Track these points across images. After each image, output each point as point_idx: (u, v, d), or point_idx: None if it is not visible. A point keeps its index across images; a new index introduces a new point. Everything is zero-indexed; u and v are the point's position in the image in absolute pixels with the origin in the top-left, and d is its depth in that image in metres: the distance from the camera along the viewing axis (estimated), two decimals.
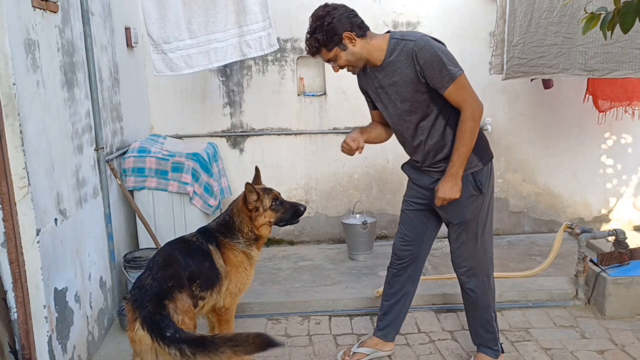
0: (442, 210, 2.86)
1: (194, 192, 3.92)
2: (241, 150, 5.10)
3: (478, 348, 3.07)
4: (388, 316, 3.17)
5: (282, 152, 5.14)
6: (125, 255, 3.87)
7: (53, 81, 2.93)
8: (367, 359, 3.15)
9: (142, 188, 3.95)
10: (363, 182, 5.20)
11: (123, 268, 3.81)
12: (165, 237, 3.95)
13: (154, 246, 3.87)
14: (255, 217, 2.92)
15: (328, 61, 2.73)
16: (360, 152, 2.87)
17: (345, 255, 4.83)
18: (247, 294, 4.00)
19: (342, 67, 2.74)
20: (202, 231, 2.94)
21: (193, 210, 3.98)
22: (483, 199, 2.81)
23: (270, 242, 5.24)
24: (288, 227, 5.19)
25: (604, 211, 5.31)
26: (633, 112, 4.65)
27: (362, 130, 2.93)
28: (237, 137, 5.08)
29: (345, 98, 5.06)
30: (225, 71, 4.95)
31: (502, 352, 3.04)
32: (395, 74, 2.68)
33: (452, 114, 2.73)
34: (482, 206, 2.83)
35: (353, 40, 2.64)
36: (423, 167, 2.89)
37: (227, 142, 5.09)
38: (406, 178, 5.26)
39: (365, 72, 2.82)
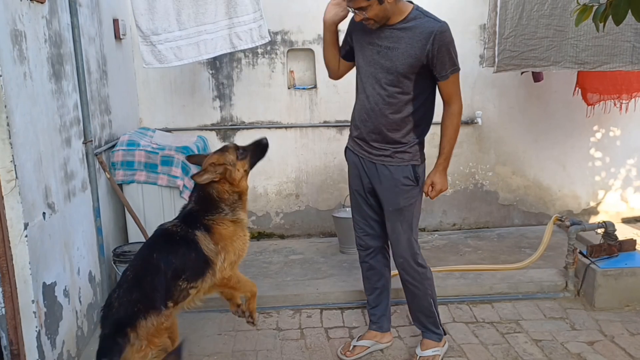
0: (382, 197, 2.93)
1: (184, 185, 3.89)
2: None
3: (422, 333, 3.12)
4: (378, 309, 3.20)
5: (272, 145, 4.98)
6: (114, 250, 3.83)
7: (40, 73, 2.88)
8: (367, 352, 3.15)
9: (132, 182, 3.91)
10: None
11: (112, 262, 3.78)
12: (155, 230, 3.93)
13: (144, 240, 3.83)
14: (229, 177, 2.75)
15: (358, 8, 2.62)
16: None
17: (336, 249, 4.83)
18: None
19: (365, 19, 2.66)
20: (185, 216, 2.77)
21: (183, 203, 3.94)
22: (417, 192, 2.92)
23: (261, 236, 5.23)
24: (279, 221, 5.24)
25: (592, 204, 5.35)
26: (621, 105, 4.68)
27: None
28: (227, 131, 5.05)
29: (336, 91, 5.04)
30: (215, 64, 4.90)
31: (445, 334, 3.14)
32: (401, 40, 2.68)
33: (420, 108, 2.82)
34: (416, 199, 2.92)
35: None
36: (366, 143, 2.90)
37: (217, 135, 5.05)
38: None
39: (366, 34, 2.78)
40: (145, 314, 2.39)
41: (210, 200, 2.75)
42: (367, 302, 3.26)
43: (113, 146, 3.99)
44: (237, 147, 2.87)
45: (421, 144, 2.91)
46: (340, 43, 3.02)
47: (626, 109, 4.69)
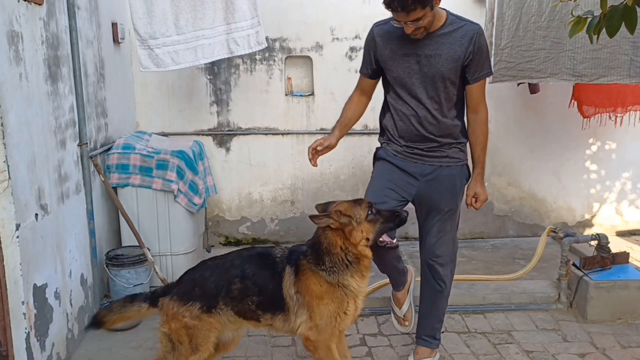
0: (438, 198, 2.89)
1: (178, 190, 3.88)
2: (227, 149, 5.07)
3: (420, 341, 3.10)
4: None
5: (268, 151, 5.12)
6: (107, 253, 3.82)
7: (37, 74, 2.88)
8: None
9: (126, 185, 3.90)
10: (349, 184, 5.20)
11: (105, 265, 3.77)
12: (149, 234, 3.93)
13: (137, 244, 3.82)
14: (349, 232, 2.42)
15: (414, 20, 2.57)
16: (327, 151, 2.88)
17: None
18: None
19: (416, 29, 2.61)
20: (295, 251, 2.56)
21: (177, 208, 3.94)
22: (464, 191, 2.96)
23: (256, 242, 5.22)
24: (274, 227, 5.23)
25: (587, 216, 5.36)
26: (616, 119, 4.70)
27: (332, 131, 2.97)
28: (223, 136, 5.05)
29: (333, 99, 5.05)
30: (213, 69, 4.91)
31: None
32: (443, 46, 2.69)
33: (462, 109, 2.88)
34: (462, 198, 2.96)
35: (437, 3, 2.63)
36: (418, 151, 2.86)
37: (214, 140, 5.05)
38: None
39: (399, 35, 2.74)
40: (173, 297, 2.49)
41: (318, 249, 2.47)
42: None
43: (108, 149, 3.99)
44: (371, 206, 2.51)
45: (466, 142, 2.95)
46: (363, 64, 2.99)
47: (621, 123, 4.70)
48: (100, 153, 3.88)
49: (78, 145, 3.49)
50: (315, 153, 2.87)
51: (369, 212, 2.47)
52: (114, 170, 3.87)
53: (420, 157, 2.89)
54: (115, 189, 3.92)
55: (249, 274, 2.49)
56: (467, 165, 2.96)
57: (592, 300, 3.57)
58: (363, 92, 3.06)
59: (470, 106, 2.88)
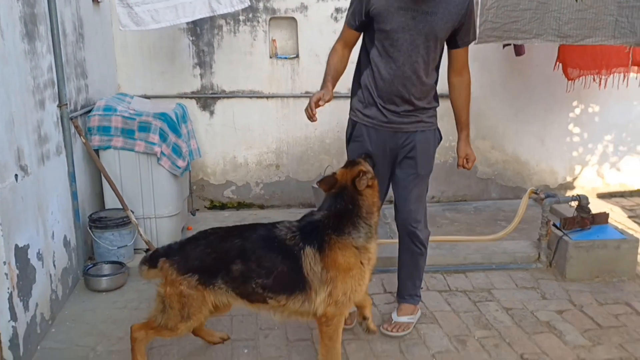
0: (413, 163, 2.90)
1: (161, 152, 3.85)
2: (211, 113, 5.02)
3: (404, 299, 3.15)
4: None
5: (253, 115, 5.08)
6: (90, 215, 3.81)
7: (12, 32, 2.81)
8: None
9: (108, 147, 3.85)
10: (334, 147, 5.19)
11: (88, 228, 3.76)
12: (132, 197, 3.91)
13: (120, 206, 3.81)
14: (376, 188, 2.50)
15: None
16: (315, 120, 2.73)
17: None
18: None
19: None
20: (306, 225, 2.46)
21: (161, 171, 3.91)
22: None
23: (241, 206, 5.23)
24: (259, 191, 5.23)
25: (569, 179, 5.42)
26: (600, 81, 4.70)
27: (326, 85, 2.82)
28: (207, 99, 4.99)
29: (318, 61, 4.99)
30: (195, 30, 4.82)
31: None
32: (440, 5, 2.66)
33: (437, 74, 2.89)
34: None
35: None
36: (393, 113, 2.82)
37: (197, 104, 5.00)
38: None
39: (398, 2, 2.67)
40: (172, 265, 2.46)
41: (352, 214, 2.42)
42: None
43: (89, 111, 3.93)
44: (366, 159, 2.65)
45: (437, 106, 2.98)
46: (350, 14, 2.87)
47: (605, 85, 4.71)
48: (80, 115, 3.83)
49: (58, 106, 3.44)
50: (315, 107, 2.70)
51: (370, 164, 2.62)
52: (95, 132, 3.82)
53: (395, 124, 2.86)
54: (97, 151, 3.88)
55: (252, 257, 2.39)
56: (438, 129, 2.99)
57: (571, 260, 3.64)
58: (346, 45, 2.97)
59: (456, 69, 2.89)
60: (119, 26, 3.95)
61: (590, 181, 5.44)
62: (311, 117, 2.68)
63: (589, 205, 3.81)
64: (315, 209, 2.61)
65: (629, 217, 4.91)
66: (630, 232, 4.09)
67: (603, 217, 3.86)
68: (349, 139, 3.02)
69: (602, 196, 5.45)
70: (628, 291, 3.51)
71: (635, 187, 5.51)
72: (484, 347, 2.91)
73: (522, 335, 3.02)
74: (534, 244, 3.95)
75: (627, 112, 5.30)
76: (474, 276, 3.70)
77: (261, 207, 5.26)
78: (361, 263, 2.43)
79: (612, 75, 4.65)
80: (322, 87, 2.81)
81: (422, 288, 3.24)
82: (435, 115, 2.96)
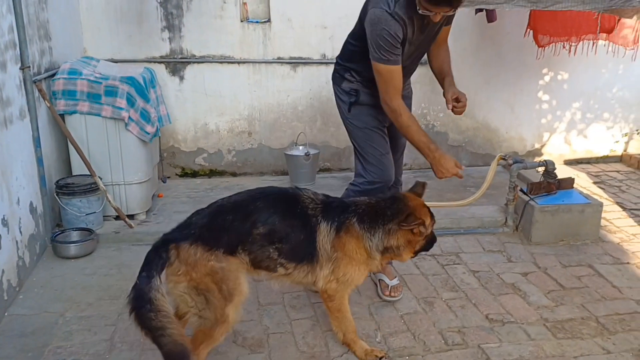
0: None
1: (129, 117, 3.77)
2: (181, 78, 4.92)
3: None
4: None
5: (224, 81, 5.00)
6: (57, 182, 3.74)
7: None
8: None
9: (74, 112, 3.76)
10: (307, 114, 5.16)
11: (55, 194, 3.69)
12: (100, 163, 3.84)
13: (88, 173, 3.74)
14: (415, 242, 2.49)
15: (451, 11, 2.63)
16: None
17: (288, 187, 4.84)
18: None
19: (442, 17, 2.64)
20: (331, 204, 2.47)
21: (129, 136, 3.84)
22: None
23: (213, 173, 5.19)
24: (231, 159, 5.19)
25: (537, 145, 5.52)
26: (570, 48, 4.75)
27: (438, 148, 2.84)
28: (176, 64, 4.89)
29: (290, 26, 4.92)
30: None
31: None
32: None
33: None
34: None
35: None
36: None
37: (166, 69, 4.89)
38: None
39: (417, 23, 2.68)
40: (194, 242, 2.20)
41: (380, 221, 2.44)
42: None
43: (54, 74, 3.81)
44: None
45: None
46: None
47: (575, 52, 4.76)
48: (45, 78, 3.71)
49: (20, 68, 3.33)
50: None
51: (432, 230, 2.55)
52: (60, 97, 3.72)
53: None
54: (62, 116, 3.78)
55: (275, 221, 2.33)
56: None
57: (537, 224, 3.73)
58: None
59: (438, 43, 2.97)
60: None
61: (558, 148, 5.54)
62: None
63: (555, 171, 3.89)
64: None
65: (594, 182, 5.03)
66: (595, 197, 4.21)
67: (569, 182, 3.94)
68: (353, 104, 2.97)
69: (569, 162, 5.57)
70: (591, 254, 3.62)
71: (601, 154, 5.64)
72: (450, 308, 2.98)
73: (487, 297, 3.10)
74: (502, 208, 4.03)
75: (595, 79, 5.38)
76: (443, 240, 3.76)
77: (234, 174, 5.23)
78: (366, 261, 2.47)
79: (581, 42, 4.70)
80: (437, 152, 2.80)
81: None
82: None
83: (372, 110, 2.96)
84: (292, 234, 2.35)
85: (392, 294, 3.05)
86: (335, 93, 3.08)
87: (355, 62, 2.93)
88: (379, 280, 3.14)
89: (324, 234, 2.38)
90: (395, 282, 3.10)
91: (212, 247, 2.21)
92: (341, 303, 2.51)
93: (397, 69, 2.70)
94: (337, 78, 3.04)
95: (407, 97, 3.06)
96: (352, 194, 2.91)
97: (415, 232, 2.44)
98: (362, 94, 2.95)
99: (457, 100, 2.94)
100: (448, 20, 2.88)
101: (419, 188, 2.64)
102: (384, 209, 2.46)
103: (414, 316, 2.91)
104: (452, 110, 2.96)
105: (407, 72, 2.95)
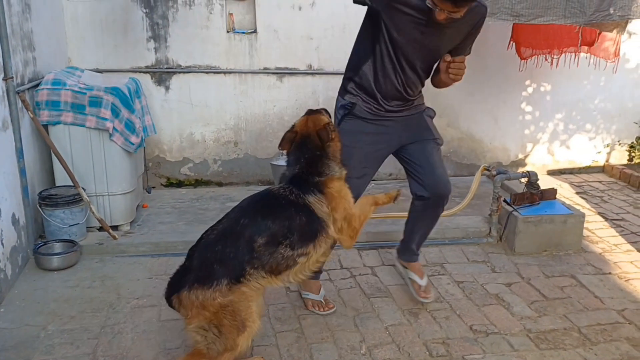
0: (429, 131, 3.00)
1: (113, 128, 3.75)
2: (167, 88, 4.92)
3: (412, 258, 3.22)
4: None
5: (210, 91, 5.00)
6: (40, 193, 3.70)
7: None
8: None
9: (58, 123, 3.73)
10: None
11: (38, 205, 3.66)
12: (84, 174, 3.82)
13: (71, 184, 3.71)
14: (337, 135, 2.61)
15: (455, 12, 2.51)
16: None
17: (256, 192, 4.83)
18: (171, 233, 4.00)
19: (446, 18, 2.51)
20: (293, 180, 2.50)
21: (113, 147, 3.82)
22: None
23: (198, 183, 5.18)
24: (217, 168, 5.18)
25: (520, 156, 5.58)
26: (552, 60, 4.83)
27: None
28: (162, 74, 4.88)
29: (276, 37, 4.95)
30: (149, 2, 4.69)
31: None
32: (452, 26, 2.59)
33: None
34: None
35: None
36: (388, 107, 2.85)
37: (152, 78, 4.88)
38: None
39: (416, 4, 2.59)
40: (192, 286, 2.22)
41: (323, 160, 2.52)
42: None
43: (37, 85, 3.78)
44: (320, 110, 2.69)
45: None
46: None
47: (557, 64, 4.84)
48: (28, 89, 3.69)
49: (3, 79, 3.31)
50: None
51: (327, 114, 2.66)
52: (43, 107, 3.69)
53: (391, 114, 2.87)
54: (46, 126, 3.75)
55: (269, 225, 2.33)
56: (428, 108, 3.06)
57: (520, 234, 3.77)
58: None
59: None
60: None
61: (541, 158, 5.61)
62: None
63: (538, 182, 3.93)
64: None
65: (577, 192, 5.09)
66: (578, 207, 4.26)
67: (551, 192, 3.99)
68: (343, 117, 2.92)
69: (552, 173, 5.64)
70: (574, 264, 3.66)
71: (583, 164, 5.72)
72: (435, 319, 3.00)
73: (471, 307, 3.11)
74: (486, 219, 4.06)
75: (577, 91, 5.46)
76: (427, 251, 3.78)
77: (219, 184, 5.22)
78: (343, 180, 2.58)
79: (563, 55, 4.78)
80: None
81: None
82: (422, 101, 3.03)
83: (364, 127, 2.88)
84: (293, 223, 2.37)
85: (426, 295, 3.11)
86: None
87: (354, 69, 2.86)
88: (411, 280, 3.19)
89: (316, 203, 2.43)
90: (425, 281, 3.16)
91: (212, 284, 2.22)
92: (359, 220, 2.56)
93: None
94: (341, 89, 2.97)
95: (428, 116, 3.02)
96: None
97: (333, 137, 2.55)
98: (359, 108, 2.88)
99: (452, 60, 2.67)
100: (457, 53, 2.71)
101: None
102: (306, 152, 2.52)
103: (398, 327, 2.91)
104: (448, 69, 2.67)
105: (401, 83, 2.77)
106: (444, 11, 2.47)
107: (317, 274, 3.02)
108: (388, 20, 2.65)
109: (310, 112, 2.67)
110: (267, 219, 2.34)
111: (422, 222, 3.17)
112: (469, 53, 2.84)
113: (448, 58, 2.65)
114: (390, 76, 2.77)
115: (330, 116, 2.70)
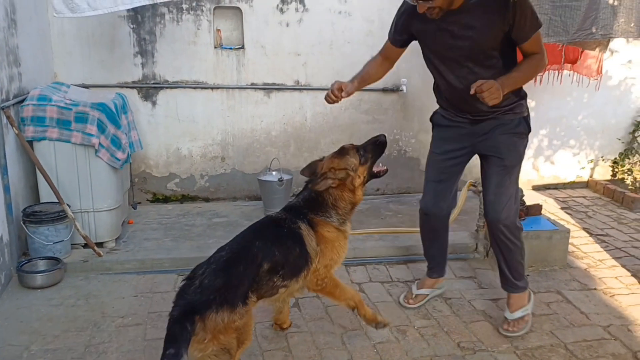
0: (498, 151, 2.85)
1: (99, 144, 3.73)
2: (154, 103, 4.90)
3: (507, 290, 3.14)
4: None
5: (197, 106, 5.00)
6: (24, 209, 3.66)
7: None
8: (427, 299, 3.32)
9: (43, 138, 3.70)
10: (281, 140, 5.18)
11: (22, 222, 3.61)
12: (69, 190, 3.78)
13: (56, 200, 3.68)
14: (350, 183, 2.59)
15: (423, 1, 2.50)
16: (346, 97, 2.79)
17: (261, 212, 4.83)
18: (157, 250, 3.96)
19: (429, 9, 2.52)
20: (290, 208, 2.63)
21: (99, 163, 3.79)
22: (525, 145, 2.93)
23: (185, 198, 5.15)
24: (204, 184, 5.16)
25: None
26: (536, 78, 4.88)
27: (352, 80, 2.89)
28: (149, 89, 4.87)
29: (264, 53, 4.96)
30: (136, 18, 4.69)
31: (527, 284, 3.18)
32: (475, 18, 2.57)
33: (503, 72, 2.62)
34: (523, 152, 2.94)
35: None
36: (467, 116, 2.87)
37: (139, 94, 4.87)
38: (324, 136, 5.31)
39: (421, 20, 2.67)
40: (219, 307, 2.17)
41: (322, 204, 2.60)
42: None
43: (23, 100, 3.75)
44: (357, 149, 2.67)
45: (523, 98, 2.88)
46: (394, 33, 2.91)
47: (540, 82, 4.91)
48: (13, 104, 3.66)
49: None
50: (335, 96, 2.76)
51: (360, 156, 2.63)
52: (28, 123, 3.66)
53: (471, 122, 2.89)
54: (31, 142, 3.71)
55: (274, 252, 2.41)
56: (524, 118, 2.87)
57: None
58: (387, 58, 3.02)
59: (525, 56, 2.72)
60: (53, 13, 3.77)
61: (526, 173, 5.66)
62: (334, 101, 2.78)
63: (523, 197, 3.96)
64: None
65: (562, 208, 5.15)
66: (562, 222, 4.30)
67: (537, 208, 4.03)
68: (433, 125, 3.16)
69: (537, 188, 5.69)
70: (559, 280, 3.68)
71: (568, 180, 5.78)
72: (423, 336, 2.99)
73: (459, 324, 3.12)
74: (472, 234, 4.09)
75: (560, 107, 5.54)
76: (415, 267, 3.78)
77: (206, 199, 5.20)
78: (341, 235, 2.64)
79: (547, 72, 4.84)
80: (350, 81, 2.87)
81: (527, 275, 3.19)
82: (517, 111, 2.84)
83: (444, 133, 3.02)
84: (290, 254, 2.45)
85: (509, 328, 3.02)
86: None
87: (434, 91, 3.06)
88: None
89: (307, 234, 2.51)
90: (514, 315, 3.06)
91: (234, 305, 2.22)
92: (333, 281, 2.63)
93: (389, 44, 2.94)
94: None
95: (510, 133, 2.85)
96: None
97: (335, 186, 2.58)
98: (438, 115, 3.07)
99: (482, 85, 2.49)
100: (520, 36, 2.59)
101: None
102: (312, 195, 2.61)
103: (386, 345, 2.90)
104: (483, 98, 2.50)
105: (458, 94, 2.77)
106: (418, 2, 2.52)
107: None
108: (420, 38, 2.81)
109: (340, 150, 2.67)
110: (274, 246, 2.43)
111: (498, 253, 3.09)
112: (538, 24, 2.59)
113: (472, 91, 2.49)
114: (449, 88, 2.83)
115: (365, 155, 2.63)
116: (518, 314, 3.05)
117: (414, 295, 3.30)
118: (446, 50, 2.72)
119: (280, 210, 2.65)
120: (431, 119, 3.17)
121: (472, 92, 2.48)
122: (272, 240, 2.45)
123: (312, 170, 2.68)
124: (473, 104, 2.69)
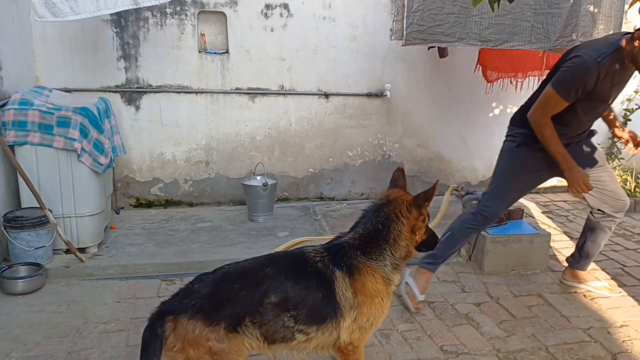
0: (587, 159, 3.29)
1: (82, 149, 3.70)
2: (137, 108, 4.88)
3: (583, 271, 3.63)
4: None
5: (181, 111, 4.98)
6: (5, 215, 3.62)
7: None
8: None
9: (24, 143, 3.66)
10: (265, 144, 5.18)
11: (3, 228, 3.57)
12: (51, 195, 3.75)
13: (38, 205, 3.64)
14: (418, 228, 2.28)
15: None
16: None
17: (246, 217, 4.83)
18: (140, 255, 3.94)
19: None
20: (333, 246, 2.25)
21: (82, 168, 3.76)
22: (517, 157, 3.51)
23: (169, 203, 5.12)
24: (188, 188, 5.14)
25: (488, 176, 5.65)
26: (517, 84, 4.97)
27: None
28: (132, 93, 4.85)
29: (248, 57, 4.97)
30: (120, 22, 4.67)
31: None
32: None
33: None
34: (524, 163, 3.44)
35: None
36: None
37: (122, 98, 4.84)
38: (308, 141, 5.32)
39: (617, 70, 2.93)
40: (194, 315, 1.98)
41: (383, 239, 2.23)
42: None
43: (4, 105, 3.72)
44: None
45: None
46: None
47: (521, 88, 4.98)
48: None
49: None
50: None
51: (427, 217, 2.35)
52: (10, 127, 3.62)
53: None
54: (12, 147, 3.67)
55: (287, 287, 2.11)
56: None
57: (489, 254, 3.83)
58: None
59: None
60: (35, 17, 3.74)
61: None
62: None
63: None
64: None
65: (543, 212, 5.21)
66: (544, 226, 4.36)
67: (518, 213, 4.07)
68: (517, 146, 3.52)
69: None
70: (540, 283, 3.73)
71: (549, 184, 5.84)
72: (406, 340, 3.01)
73: (442, 328, 3.14)
74: None
75: None
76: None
77: (190, 204, 5.18)
78: (387, 291, 2.27)
79: (527, 78, 4.92)
80: (572, 162, 3.09)
81: None
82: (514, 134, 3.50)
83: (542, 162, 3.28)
84: (309, 295, 2.13)
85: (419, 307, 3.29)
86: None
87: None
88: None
89: (341, 281, 2.16)
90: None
91: (214, 321, 1.99)
92: (362, 352, 2.29)
93: (564, 104, 3.00)
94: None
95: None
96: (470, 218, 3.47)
97: (417, 219, 2.27)
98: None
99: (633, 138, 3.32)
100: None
101: (399, 179, 2.45)
102: (375, 225, 2.25)
103: (370, 349, 2.91)
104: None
105: (593, 117, 3.21)
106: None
107: None
108: (596, 93, 3.04)
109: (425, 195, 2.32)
110: (288, 280, 2.13)
111: (597, 240, 3.54)
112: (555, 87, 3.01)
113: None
114: (578, 125, 3.23)
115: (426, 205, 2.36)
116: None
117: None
118: (606, 100, 3.11)
119: (324, 244, 2.30)
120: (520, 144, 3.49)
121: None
122: (289, 274, 2.15)
123: (396, 179, 2.42)
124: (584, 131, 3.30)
